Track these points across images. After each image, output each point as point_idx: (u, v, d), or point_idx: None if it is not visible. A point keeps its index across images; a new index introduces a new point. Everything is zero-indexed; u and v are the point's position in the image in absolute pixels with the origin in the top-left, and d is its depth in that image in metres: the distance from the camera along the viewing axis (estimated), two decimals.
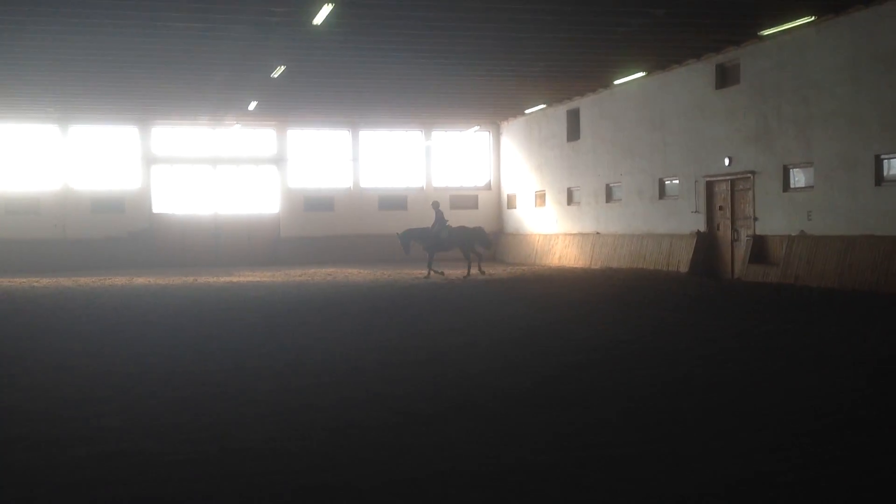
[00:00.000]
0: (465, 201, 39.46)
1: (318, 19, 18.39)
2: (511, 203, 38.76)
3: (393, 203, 38.60)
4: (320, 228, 37.73)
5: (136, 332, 13.56)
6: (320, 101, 32.24)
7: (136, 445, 6.39)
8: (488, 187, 39.83)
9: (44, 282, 26.03)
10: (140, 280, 26.30)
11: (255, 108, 32.22)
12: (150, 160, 36.16)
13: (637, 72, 26.68)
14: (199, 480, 5.53)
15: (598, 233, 31.02)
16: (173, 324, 14.73)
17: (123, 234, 35.64)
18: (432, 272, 26.29)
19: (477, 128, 38.96)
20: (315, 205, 37.80)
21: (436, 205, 28.29)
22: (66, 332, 13.74)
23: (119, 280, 26.39)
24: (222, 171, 37.11)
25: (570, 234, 32.86)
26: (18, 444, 6.48)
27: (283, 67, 24.26)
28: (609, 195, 30.71)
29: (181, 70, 25.32)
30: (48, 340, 12.59)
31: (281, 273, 29.26)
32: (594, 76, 27.93)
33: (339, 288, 22.54)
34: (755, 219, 23.05)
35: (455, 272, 26.85)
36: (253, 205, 37.51)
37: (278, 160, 37.53)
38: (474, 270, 26.71)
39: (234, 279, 26.36)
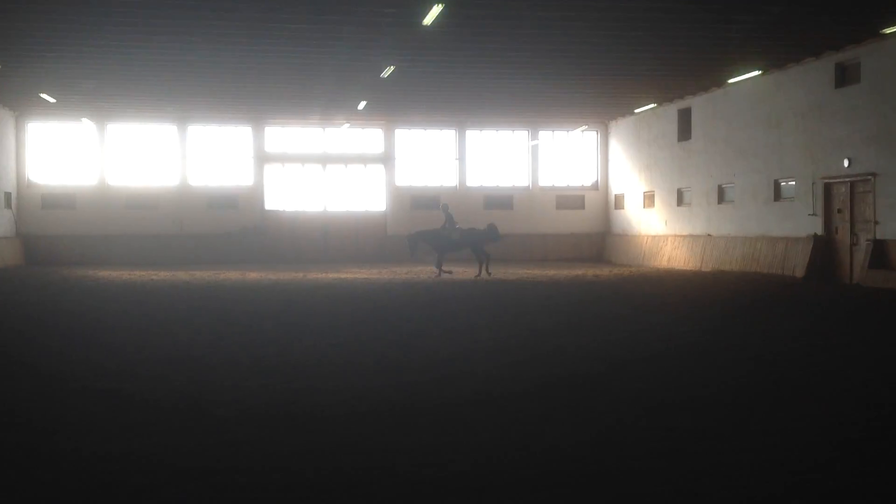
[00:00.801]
0: (571, 201, 39.18)
1: (428, 19, 18.52)
2: (619, 203, 38.26)
3: (498, 202, 38.61)
4: (426, 226, 37.89)
5: (250, 323, 13.92)
6: (428, 101, 32.48)
7: (245, 434, 6.56)
8: (595, 187, 39.42)
9: (162, 275, 27.01)
10: (252, 275, 27.01)
11: (364, 107, 32.72)
12: (262, 158, 37.12)
13: (752, 70, 25.97)
14: (307, 474, 5.64)
15: (709, 235, 30.34)
16: (285, 318, 15.06)
17: (237, 229, 36.68)
18: (441, 272, 26.47)
19: (585, 127, 38.59)
20: (421, 203, 38.11)
21: (445, 207, 28.47)
22: (185, 323, 14.21)
23: (232, 275, 27.16)
24: (331, 170, 37.82)
25: (680, 236, 32.23)
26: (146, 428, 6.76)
27: (392, 68, 24.54)
28: (721, 196, 29.99)
29: (293, 71, 25.89)
30: (167, 332, 13.04)
31: (387, 270, 29.61)
32: (707, 75, 27.32)
33: (443, 285, 22.66)
34: (876, 222, 22.14)
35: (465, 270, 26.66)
36: (361, 203, 38.10)
37: (386, 159, 37.99)
38: (484, 274, 26.53)
39: (342, 275, 26.81)
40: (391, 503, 5.11)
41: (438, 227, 27.55)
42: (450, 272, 26.66)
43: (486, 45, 22.61)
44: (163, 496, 5.19)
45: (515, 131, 38.92)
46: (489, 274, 26.47)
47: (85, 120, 35.39)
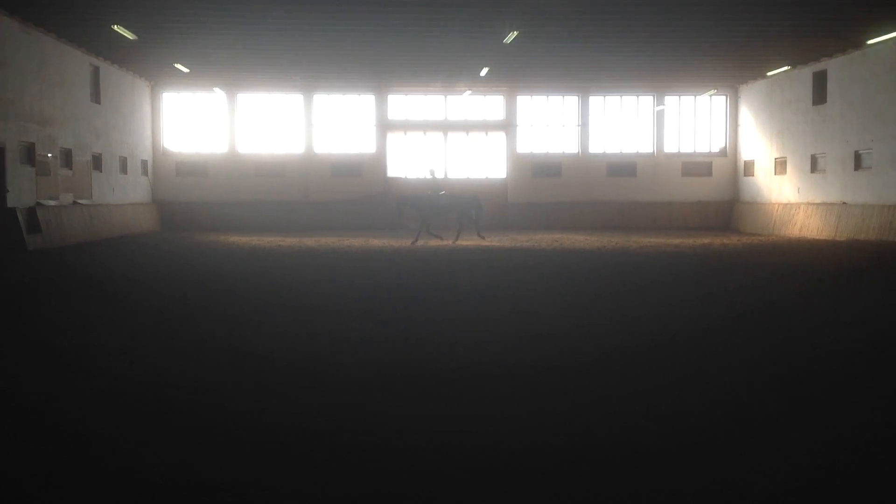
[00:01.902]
0: (698, 168, 38.19)
1: None
2: (748, 170, 37.04)
3: (622, 170, 37.99)
4: (547, 194, 37.78)
5: (373, 287, 14.15)
6: (551, 66, 32.09)
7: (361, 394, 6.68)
8: (723, 154, 38.26)
9: (288, 241, 27.71)
10: (375, 242, 27.41)
11: (486, 74, 32.59)
12: (385, 126, 37.50)
13: (893, 31, 24.57)
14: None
15: (844, 203, 29.07)
16: (402, 282, 15.22)
17: (360, 196, 37.27)
18: (427, 237, 26.89)
19: (713, 91, 37.42)
20: (543, 170, 37.85)
21: (432, 171, 28.41)
22: (311, 286, 14.56)
23: (356, 241, 27.62)
24: (453, 137, 37.89)
25: (813, 204, 30.99)
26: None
27: (515, 33, 24.32)
28: (858, 163, 28.66)
29: (417, 39, 25.98)
30: (297, 291, 13.39)
31: (508, 238, 29.56)
32: (845, 35, 26.03)
33: (566, 255, 22.46)
34: None
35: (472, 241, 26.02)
36: (481, 170, 38.09)
37: (507, 126, 37.81)
38: (474, 237, 27.31)
39: (463, 243, 26.90)
40: (509, 461, 5.10)
41: (427, 192, 27.87)
42: (439, 237, 27.12)
43: (611, 9, 22.13)
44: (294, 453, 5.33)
45: (640, 97, 38.09)
46: (482, 237, 27.32)
47: (216, 89, 36.50)
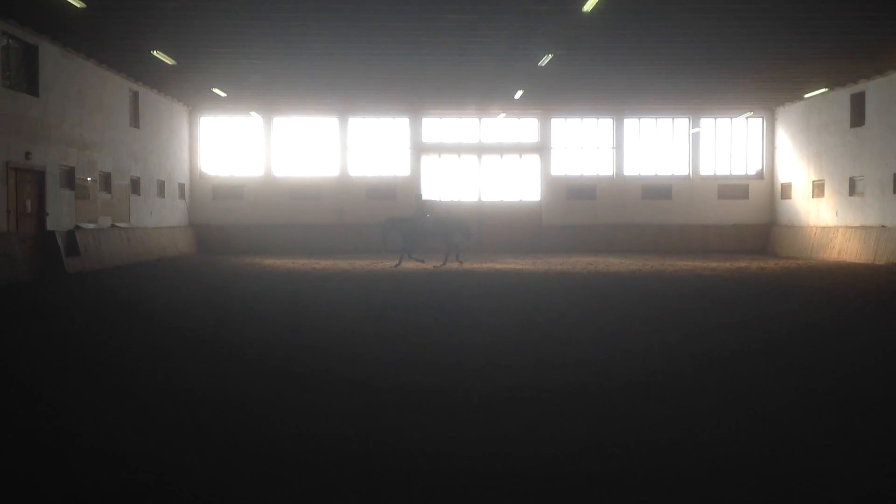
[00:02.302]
0: (734, 191, 37.89)
1: (588, 6, 18.27)
2: (785, 193, 36.69)
3: (657, 192, 37.81)
4: (582, 217, 37.67)
5: (406, 312, 14.15)
6: (585, 89, 32.07)
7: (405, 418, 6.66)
8: (760, 176, 37.94)
9: (323, 263, 27.84)
10: (409, 265, 27.43)
11: (521, 97, 32.66)
12: (419, 149, 37.65)
13: None
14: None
15: (883, 226, 28.66)
16: (442, 305, 15.21)
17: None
18: (405, 259, 26.98)
19: (749, 113, 37.18)
20: (577, 193, 37.77)
21: (418, 196, 28.30)
22: (347, 309, 14.60)
23: (390, 264, 27.65)
24: (487, 160, 37.95)
25: (852, 228, 30.59)
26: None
27: (550, 56, 24.36)
28: None
29: (451, 62, 26.09)
30: (333, 314, 13.43)
31: (542, 261, 29.48)
32: (883, 57, 25.75)
33: (601, 278, 22.34)
34: None
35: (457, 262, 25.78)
36: (515, 193, 38.07)
37: (541, 148, 37.80)
38: (454, 263, 27.09)
39: (496, 266, 26.86)
40: (544, 486, 5.05)
41: (411, 215, 27.82)
42: (421, 261, 27.12)
43: (646, 31, 22.10)
44: (350, 473, 5.31)
45: (675, 119, 37.93)
46: (460, 263, 27.14)
47: (253, 113, 36.90)
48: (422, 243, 27.79)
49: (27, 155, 21.78)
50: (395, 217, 28.15)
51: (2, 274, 19.29)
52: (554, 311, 14.56)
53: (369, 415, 6.99)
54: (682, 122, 37.96)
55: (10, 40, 21.27)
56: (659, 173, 38.09)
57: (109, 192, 27.81)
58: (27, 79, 22.35)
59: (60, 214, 23.75)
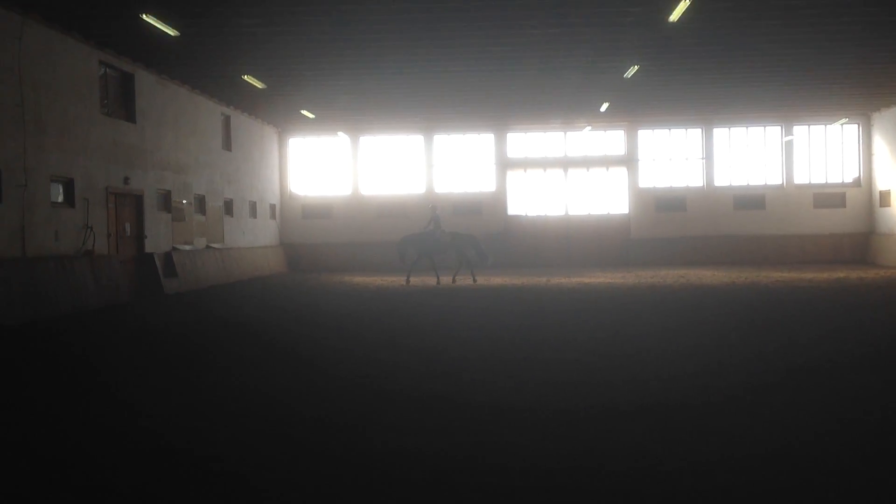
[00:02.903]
0: (831, 200, 36.80)
1: (675, 16, 18.02)
2: (884, 201, 35.43)
3: (749, 202, 36.98)
4: (671, 229, 37.09)
5: (499, 326, 14.11)
6: (673, 100, 31.61)
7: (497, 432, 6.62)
8: (857, 184, 36.75)
9: (412, 280, 27.99)
10: (496, 280, 27.40)
11: (607, 109, 32.39)
12: (504, 164, 37.65)
13: None
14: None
15: None
16: (526, 321, 15.13)
17: (481, 235, 37.32)
18: (440, 277, 26.31)
19: (844, 120, 36.09)
20: (666, 205, 37.22)
21: (433, 209, 27.56)
22: (436, 324, 14.64)
23: (477, 279, 27.66)
24: (573, 174, 37.71)
25: None
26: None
27: (636, 67, 24.10)
28: None
29: (535, 77, 26.03)
30: (421, 330, 13.48)
31: (631, 274, 29.11)
32: None
33: (693, 291, 21.92)
34: None
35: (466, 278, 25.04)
36: (603, 206, 37.72)
37: (628, 160, 37.39)
38: (467, 279, 26.44)
39: (585, 280, 26.62)
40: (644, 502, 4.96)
41: (426, 230, 26.98)
42: (437, 277, 26.48)
43: (735, 39, 21.66)
44: (437, 491, 5.31)
45: (767, 127, 37.07)
46: (474, 280, 26.42)
47: (340, 133, 37.46)
48: (436, 259, 27.35)
49: (126, 180, 22.53)
50: (411, 234, 27.68)
51: (103, 296, 19.96)
52: (646, 325, 14.33)
53: (463, 430, 6.97)
54: (774, 130, 37.07)
55: (107, 69, 22.07)
56: (751, 183, 37.25)
57: (204, 214, 28.54)
58: (124, 106, 23.15)
59: (158, 237, 24.47)
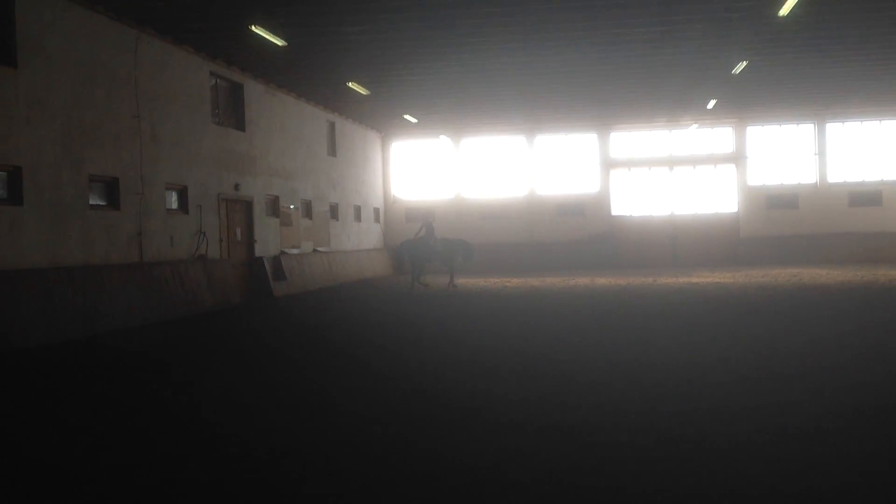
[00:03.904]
0: None
1: (784, 10, 17.50)
2: None
3: (865, 199, 35.61)
4: (782, 227, 36.00)
5: (603, 327, 13.95)
6: (783, 95, 30.68)
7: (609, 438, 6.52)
8: None
9: (514, 282, 27.96)
10: (601, 280, 27.11)
11: (714, 106, 31.68)
12: (608, 164, 37.21)
13: None
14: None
15: None
16: (633, 322, 14.89)
17: (584, 236, 37.08)
18: (418, 283, 25.05)
19: None
20: (777, 203, 36.16)
21: (426, 215, 26.66)
22: (544, 327, 14.56)
23: (582, 280, 27.44)
24: (679, 172, 36.99)
25: None
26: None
27: (744, 63, 23.49)
28: None
29: (640, 75, 25.66)
30: (531, 335, 13.44)
31: (741, 274, 28.36)
32: None
33: (807, 290, 21.20)
34: None
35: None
36: (711, 205, 36.88)
37: (737, 158, 36.47)
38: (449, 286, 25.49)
39: (693, 280, 26.07)
40: None
41: (420, 237, 25.83)
42: (426, 285, 25.25)
43: (849, 31, 20.89)
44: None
45: (883, 121, 35.60)
46: (455, 287, 25.54)
47: (442, 136, 37.68)
48: (429, 265, 26.39)
49: (236, 186, 23.17)
50: (409, 240, 26.55)
51: (217, 299, 20.56)
52: (759, 325, 13.89)
53: (576, 432, 6.90)
54: (891, 124, 35.57)
55: (218, 80, 22.74)
56: (867, 179, 35.84)
57: (310, 219, 29.11)
58: (234, 115, 23.81)
59: (267, 241, 25.06)
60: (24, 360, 12.38)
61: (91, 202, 16.74)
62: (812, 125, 35.97)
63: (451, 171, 38.18)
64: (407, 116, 32.53)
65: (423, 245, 25.65)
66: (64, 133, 15.86)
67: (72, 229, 15.96)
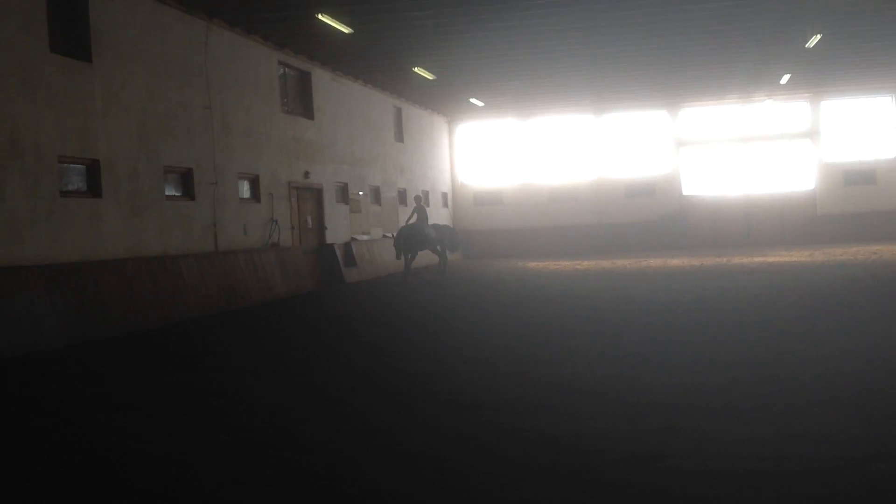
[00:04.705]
0: None
1: None
2: None
3: None
4: (861, 203, 34.99)
5: (681, 311, 13.74)
6: (860, 67, 29.77)
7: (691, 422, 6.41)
8: None
9: (585, 264, 27.75)
10: (674, 262, 26.73)
11: (787, 81, 30.90)
12: (679, 143, 36.59)
13: None
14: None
15: None
16: (715, 304, 14.64)
17: (655, 217, 36.57)
18: (409, 275, 24.24)
19: None
20: (854, 178, 35.17)
21: (418, 199, 25.79)
22: (614, 310, 14.41)
23: (654, 262, 27.09)
24: (752, 149, 36.20)
25: None
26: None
27: (819, 36, 22.82)
28: None
29: (711, 50, 25.13)
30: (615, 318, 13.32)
31: (819, 252, 27.69)
32: None
33: (889, 267, 20.60)
34: None
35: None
36: (785, 182, 36.02)
37: (812, 134, 35.55)
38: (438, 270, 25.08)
39: (768, 259, 25.54)
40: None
41: (413, 223, 24.89)
42: (415, 275, 24.61)
43: None
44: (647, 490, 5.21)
45: None
46: (442, 272, 25.16)
47: (508, 119, 37.49)
48: (418, 251, 25.01)
49: (306, 174, 23.39)
50: (404, 226, 25.22)
51: (290, 286, 20.83)
52: (848, 306, 13.53)
53: (653, 416, 6.79)
54: None
55: (286, 69, 22.95)
56: None
57: (379, 205, 29.26)
58: (303, 104, 24.02)
59: (337, 228, 25.27)
60: (110, 350, 12.67)
61: (167, 193, 17.06)
62: (890, 98, 34.85)
63: (518, 153, 37.96)
64: (473, 100, 32.42)
65: (417, 232, 24.54)
66: (139, 125, 16.18)
67: (149, 220, 16.29)
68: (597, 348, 10.55)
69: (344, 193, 26.22)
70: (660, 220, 36.48)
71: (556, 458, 5.83)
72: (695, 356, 9.57)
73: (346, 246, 25.20)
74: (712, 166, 36.52)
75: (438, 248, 25.53)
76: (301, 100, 23.98)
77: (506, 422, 6.96)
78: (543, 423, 6.84)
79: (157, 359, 11.72)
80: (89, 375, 10.52)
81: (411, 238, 24.45)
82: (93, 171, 14.92)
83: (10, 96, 12.92)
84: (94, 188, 14.93)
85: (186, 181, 17.85)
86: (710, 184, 36.56)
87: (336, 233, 25.12)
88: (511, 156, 38.07)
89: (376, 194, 29.16)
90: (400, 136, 32.02)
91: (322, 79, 24.86)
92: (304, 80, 24.06)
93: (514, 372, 9.19)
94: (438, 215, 35.97)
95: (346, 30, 19.25)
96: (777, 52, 25.67)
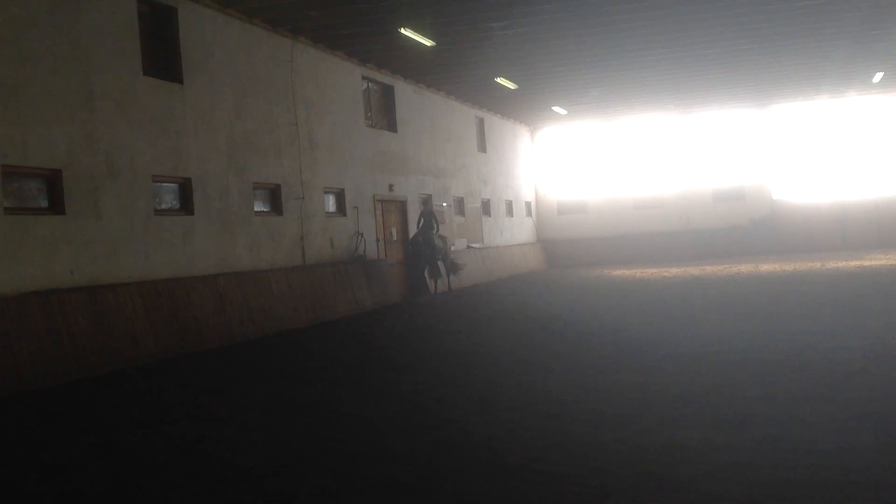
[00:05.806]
0: None
1: None
2: None
3: None
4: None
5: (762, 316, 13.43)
6: None
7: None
8: None
9: (672, 271, 27.32)
10: (766, 267, 26.13)
11: (881, 79, 29.92)
12: (769, 143, 35.73)
13: None
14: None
15: None
16: (807, 310, 14.26)
17: (744, 221, 35.78)
18: (428, 289, 23.08)
19: None
20: None
21: (427, 203, 24.14)
22: (702, 318, 14.16)
23: (745, 268, 26.52)
24: (845, 151, 35.10)
25: None
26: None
27: None
28: None
29: (800, 49, 24.50)
30: (688, 326, 13.10)
31: None
32: None
33: None
34: None
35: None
36: (882, 184, 34.81)
37: None
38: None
39: (865, 263, 24.74)
40: None
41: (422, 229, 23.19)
42: (420, 291, 23.13)
43: None
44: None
45: None
46: (449, 289, 23.98)
47: (592, 126, 37.18)
48: (426, 263, 23.26)
49: (390, 187, 23.62)
50: (416, 235, 23.42)
51: (376, 298, 21.04)
52: None
53: (734, 430, 6.65)
54: None
55: (369, 84, 23.24)
56: None
57: (463, 216, 29.35)
58: (386, 117, 24.28)
59: None
60: (207, 362, 12.99)
61: (256, 209, 17.43)
62: None
63: (602, 157, 37.60)
64: (556, 108, 32.30)
65: (428, 240, 22.99)
66: (228, 144, 16.58)
67: (239, 235, 16.67)
68: (688, 356, 10.38)
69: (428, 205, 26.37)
70: (749, 225, 35.67)
71: (647, 468, 5.76)
72: (794, 365, 9.33)
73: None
74: (804, 168, 35.52)
75: (441, 262, 23.93)
76: (384, 113, 24.25)
77: (594, 432, 6.90)
78: (631, 433, 6.76)
79: (248, 372, 11.96)
80: (187, 387, 10.80)
81: (424, 248, 22.85)
82: (185, 190, 15.34)
83: (106, 119, 13.39)
84: (186, 206, 15.34)
85: (274, 197, 18.21)
86: (802, 187, 35.56)
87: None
88: (595, 161, 37.69)
89: (460, 205, 29.26)
90: (483, 146, 32.08)
91: (405, 92, 25.10)
92: (387, 94, 24.33)
93: (605, 382, 9.11)
94: (522, 225, 35.91)
95: (428, 43, 19.40)
96: (868, 50, 24.88)
